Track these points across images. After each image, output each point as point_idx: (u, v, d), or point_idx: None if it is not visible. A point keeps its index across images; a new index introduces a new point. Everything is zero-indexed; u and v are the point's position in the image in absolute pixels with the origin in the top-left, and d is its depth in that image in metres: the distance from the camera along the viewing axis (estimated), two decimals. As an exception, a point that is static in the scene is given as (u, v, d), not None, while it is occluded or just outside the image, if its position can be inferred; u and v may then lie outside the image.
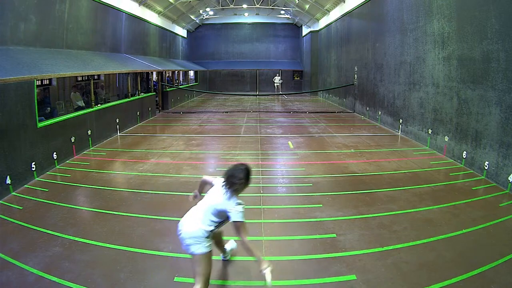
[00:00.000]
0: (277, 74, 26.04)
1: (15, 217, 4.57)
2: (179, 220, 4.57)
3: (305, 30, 25.15)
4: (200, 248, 2.72)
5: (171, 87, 17.71)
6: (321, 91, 21.98)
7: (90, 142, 8.50)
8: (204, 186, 3.20)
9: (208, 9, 23.21)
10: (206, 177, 3.15)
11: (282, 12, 25.33)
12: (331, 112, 15.35)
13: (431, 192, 5.49)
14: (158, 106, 15.60)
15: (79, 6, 9.89)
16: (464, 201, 5.08)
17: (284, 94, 24.25)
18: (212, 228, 2.78)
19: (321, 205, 4.97)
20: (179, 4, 19.06)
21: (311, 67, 23.83)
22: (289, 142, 8.75)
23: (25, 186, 5.79)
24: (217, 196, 2.79)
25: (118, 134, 10.24)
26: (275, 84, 25.27)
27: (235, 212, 2.67)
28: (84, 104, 9.13)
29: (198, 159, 7.70)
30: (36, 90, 6.32)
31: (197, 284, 2.73)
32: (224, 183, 2.78)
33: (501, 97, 5.74)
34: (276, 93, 24.45)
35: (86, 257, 3.63)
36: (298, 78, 27.68)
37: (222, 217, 2.79)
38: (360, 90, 14.17)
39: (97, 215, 4.70)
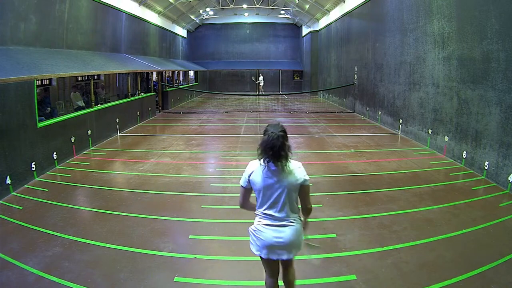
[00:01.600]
0: (260, 74, 25.64)
1: (15, 217, 4.57)
2: (179, 220, 4.61)
3: (305, 30, 25.16)
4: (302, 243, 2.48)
5: (171, 87, 17.72)
6: (321, 91, 21.98)
7: (90, 142, 8.50)
8: (249, 200, 2.53)
9: (208, 9, 23.21)
10: (243, 198, 2.49)
11: (282, 12, 25.32)
12: (331, 112, 15.35)
13: (431, 192, 5.48)
14: (158, 106, 15.60)
15: (79, 6, 9.89)
16: (464, 201, 5.08)
17: (284, 94, 24.25)
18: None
19: (321, 205, 4.97)
20: (179, 4, 19.06)
21: (311, 67, 23.83)
22: None
23: (25, 186, 5.79)
24: (280, 177, 2.32)
25: (118, 134, 10.24)
26: (259, 84, 24.87)
27: (305, 174, 2.40)
28: (84, 104, 9.13)
29: (198, 159, 7.70)
30: (36, 90, 6.32)
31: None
32: (275, 158, 2.28)
33: (501, 97, 5.74)
34: (258, 93, 24.06)
35: (86, 257, 3.63)
36: (298, 78, 27.68)
37: (297, 191, 2.40)
38: (360, 90, 14.17)
39: (97, 215, 4.70)
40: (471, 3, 6.55)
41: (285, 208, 2.36)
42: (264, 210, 2.39)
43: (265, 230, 2.38)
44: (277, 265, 2.53)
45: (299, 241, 2.43)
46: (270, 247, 2.37)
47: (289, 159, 2.35)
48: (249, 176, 2.39)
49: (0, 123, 5.33)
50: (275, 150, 2.26)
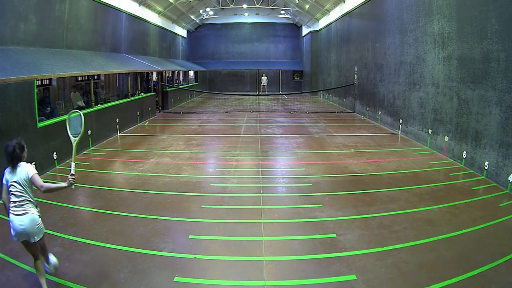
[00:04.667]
0: (263, 75, 26.26)
1: (15, 217, 4.56)
2: (179, 220, 4.61)
3: (305, 30, 25.16)
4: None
5: (171, 87, 17.71)
6: (321, 91, 21.98)
7: (90, 142, 8.50)
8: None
9: (208, 9, 23.21)
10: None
11: (282, 12, 25.33)
12: (331, 112, 15.35)
13: (431, 192, 5.48)
14: (158, 106, 15.60)
15: (79, 6, 9.89)
16: (464, 201, 5.08)
17: (284, 94, 24.26)
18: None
19: (321, 205, 4.97)
20: (179, 4, 19.06)
21: (311, 67, 23.83)
22: None
23: (25, 186, 5.78)
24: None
25: (118, 134, 10.24)
26: (262, 84, 25.60)
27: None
28: (84, 104, 9.14)
29: (198, 159, 7.70)
30: (36, 90, 6.32)
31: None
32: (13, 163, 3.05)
33: (501, 97, 5.74)
34: (262, 93, 24.79)
35: (86, 257, 3.63)
36: (298, 78, 27.68)
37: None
38: (360, 90, 14.17)
39: (97, 215, 4.70)
40: (471, 3, 6.54)
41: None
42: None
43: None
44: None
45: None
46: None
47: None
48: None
49: (0, 123, 5.32)
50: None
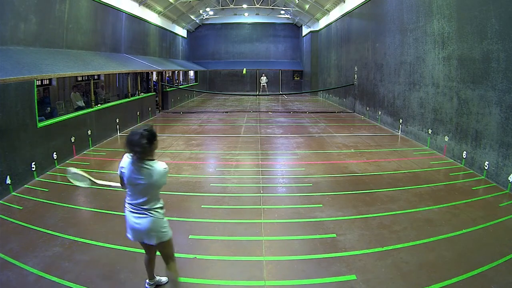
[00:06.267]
0: (263, 74, 26.28)
1: (15, 217, 4.57)
2: (179, 220, 4.61)
3: (305, 30, 25.16)
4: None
5: (171, 87, 17.71)
6: (321, 91, 21.98)
7: (90, 142, 8.50)
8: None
9: (208, 9, 23.20)
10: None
11: (282, 12, 25.32)
12: (331, 112, 15.35)
13: (431, 192, 5.49)
14: (158, 106, 15.60)
15: (79, 6, 9.89)
16: (464, 201, 5.08)
17: (284, 94, 24.27)
18: None
19: (321, 205, 4.97)
20: (179, 4, 19.06)
21: (311, 67, 23.83)
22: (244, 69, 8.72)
23: (25, 186, 5.79)
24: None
25: (118, 134, 10.24)
26: (261, 84, 25.62)
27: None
28: (84, 104, 9.13)
29: (198, 159, 7.70)
30: (36, 90, 6.32)
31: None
32: (132, 155, 2.70)
33: (501, 97, 5.74)
34: (262, 93, 24.89)
35: (86, 257, 3.63)
36: (298, 78, 27.67)
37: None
38: (360, 90, 14.17)
39: (97, 215, 4.70)
40: (471, 3, 6.54)
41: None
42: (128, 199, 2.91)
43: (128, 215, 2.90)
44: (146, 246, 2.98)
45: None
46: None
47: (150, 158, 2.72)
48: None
49: (0, 123, 5.33)
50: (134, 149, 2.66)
